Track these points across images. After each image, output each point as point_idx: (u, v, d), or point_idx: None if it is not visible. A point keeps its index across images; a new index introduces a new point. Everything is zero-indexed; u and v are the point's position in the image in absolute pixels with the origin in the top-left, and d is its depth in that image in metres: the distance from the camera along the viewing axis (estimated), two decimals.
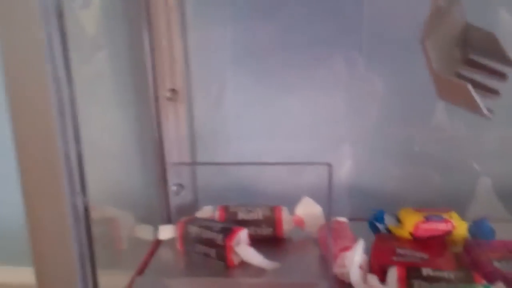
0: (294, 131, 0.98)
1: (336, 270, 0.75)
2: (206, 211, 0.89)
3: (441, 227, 0.81)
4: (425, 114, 0.96)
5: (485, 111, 0.61)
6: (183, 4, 0.90)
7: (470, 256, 0.76)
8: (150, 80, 0.88)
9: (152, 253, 0.84)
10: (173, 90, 0.89)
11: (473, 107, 0.59)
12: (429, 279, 0.68)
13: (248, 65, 0.95)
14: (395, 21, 0.91)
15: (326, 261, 0.80)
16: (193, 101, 0.94)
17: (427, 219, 0.82)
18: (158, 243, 0.87)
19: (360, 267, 0.73)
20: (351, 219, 0.87)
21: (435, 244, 0.80)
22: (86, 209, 0.49)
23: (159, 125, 0.89)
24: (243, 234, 0.80)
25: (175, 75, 0.89)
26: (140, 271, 0.80)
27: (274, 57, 0.94)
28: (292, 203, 0.89)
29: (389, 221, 0.85)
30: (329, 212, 0.68)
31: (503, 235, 0.82)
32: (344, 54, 0.94)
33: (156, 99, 0.88)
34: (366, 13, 0.92)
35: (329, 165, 0.75)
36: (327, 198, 0.68)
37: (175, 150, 0.91)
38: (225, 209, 0.88)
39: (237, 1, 0.92)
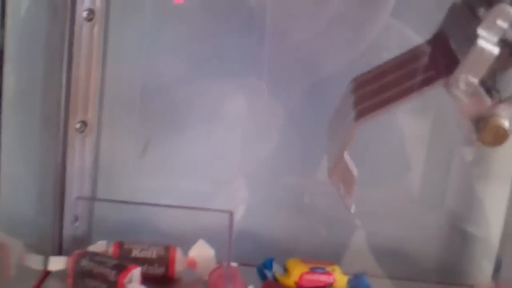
0: (192, 171, 1.00)
1: None
2: (99, 246, 0.89)
3: (323, 279, 0.87)
4: (316, 166, 1.01)
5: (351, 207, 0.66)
6: (107, 35, 0.91)
7: None
8: (62, 110, 0.88)
9: (39, 285, 0.83)
10: (83, 122, 0.90)
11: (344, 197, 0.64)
12: None
13: (153, 100, 0.97)
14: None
15: None
16: (101, 135, 0.95)
17: (312, 270, 0.87)
18: (47, 274, 0.86)
19: None
20: (241, 264, 0.91)
21: None
22: None
23: (64, 155, 0.89)
24: (136, 272, 0.81)
25: (87, 107, 0.90)
26: None
27: (179, 91, 0.96)
28: (189, 244, 0.91)
29: (276, 269, 0.89)
30: (228, 259, 0.71)
31: None
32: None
33: (65, 129, 0.88)
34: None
35: (230, 213, 0.79)
36: (227, 245, 0.71)
37: (76, 182, 0.91)
38: (120, 245, 0.89)
39: (152, 36, 0.95)
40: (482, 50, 0.56)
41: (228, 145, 1.00)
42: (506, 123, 0.58)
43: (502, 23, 0.56)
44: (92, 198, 0.92)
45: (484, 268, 1.05)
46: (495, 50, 0.56)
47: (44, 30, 0.92)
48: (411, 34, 0.92)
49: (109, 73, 0.93)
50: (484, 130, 0.58)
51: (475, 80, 0.57)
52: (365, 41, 0.95)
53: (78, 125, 0.89)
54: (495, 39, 0.57)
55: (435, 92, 0.59)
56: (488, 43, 0.56)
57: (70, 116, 0.88)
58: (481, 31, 0.56)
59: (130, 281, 0.80)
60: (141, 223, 1.00)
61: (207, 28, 0.96)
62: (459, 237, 1.05)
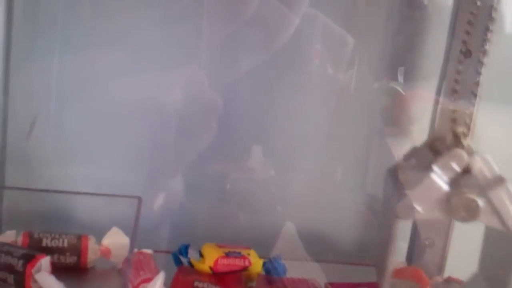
0: (111, 160, 0.99)
1: None
2: (8, 236, 0.86)
3: (238, 262, 0.87)
4: (239, 153, 1.02)
5: None
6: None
7: None
8: None
9: None
10: None
11: None
12: None
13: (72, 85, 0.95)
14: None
15: None
16: (8, 120, 0.92)
17: (227, 255, 0.87)
18: None
19: None
20: (158, 252, 0.90)
21: (232, 279, 0.85)
22: None
23: None
24: (45, 262, 0.79)
25: None
26: None
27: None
28: (102, 232, 0.89)
29: (192, 255, 0.89)
30: (132, 244, 0.70)
31: (296, 273, 0.89)
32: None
33: None
34: None
35: (139, 199, 0.78)
36: (133, 230, 0.70)
37: None
38: (29, 235, 0.86)
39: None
40: (432, 183, 0.60)
41: (149, 133, 0.99)
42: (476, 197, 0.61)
43: (455, 166, 0.61)
44: None
45: (399, 249, 1.07)
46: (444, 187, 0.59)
47: None
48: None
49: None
50: (457, 207, 0.62)
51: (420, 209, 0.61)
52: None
53: None
54: (446, 178, 0.61)
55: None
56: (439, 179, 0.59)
57: None
58: (435, 167, 0.60)
59: (39, 270, 0.78)
60: (54, 213, 0.98)
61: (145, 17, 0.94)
62: (375, 219, 1.06)
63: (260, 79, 0.99)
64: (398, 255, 1.06)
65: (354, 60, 1.01)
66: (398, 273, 0.90)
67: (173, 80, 0.97)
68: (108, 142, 0.99)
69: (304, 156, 1.05)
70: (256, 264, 0.88)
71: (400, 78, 1.02)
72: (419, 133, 1.00)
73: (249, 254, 0.88)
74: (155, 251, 0.90)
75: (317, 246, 1.03)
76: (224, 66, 0.98)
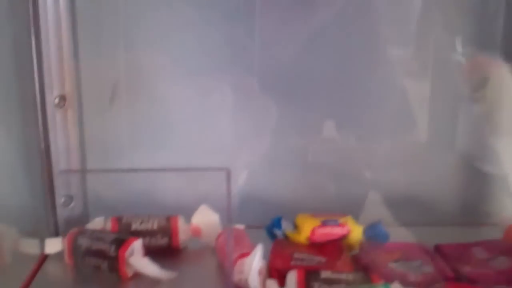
0: (188, 142, 0.95)
1: (235, 277, 0.72)
2: (97, 223, 0.84)
3: (337, 231, 0.82)
4: (317, 126, 0.98)
5: None
6: (74, 6, 0.85)
7: (367, 258, 0.76)
8: (36, 86, 0.82)
9: (37, 269, 0.78)
10: (62, 96, 0.84)
11: None
12: (327, 281, 0.68)
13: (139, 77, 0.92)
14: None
15: (224, 269, 0.77)
16: (84, 108, 0.89)
17: (324, 223, 0.82)
18: (44, 258, 0.81)
19: (259, 272, 0.71)
20: (248, 227, 0.86)
21: (332, 248, 0.80)
22: None
23: (46, 133, 0.83)
24: (137, 245, 0.76)
25: (64, 81, 0.84)
26: (25, 287, 0.74)
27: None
28: (189, 212, 0.86)
29: (286, 227, 0.84)
30: (228, 217, 0.66)
31: (394, 239, 0.83)
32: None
33: (43, 105, 0.82)
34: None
35: (227, 170, 0.73)
36: (226, 203, 0.65)
37: (63, 159, 0.86)
38: (118, 220, 0.83)
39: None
40: None
41: (225, 112, 0.96)
42: None
43: None
44: (76, 170, 0.86)
45: (506, 205, 1.00)
46: None
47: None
48: None
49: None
50: None
51: None
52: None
53: (56, 100, 0.84)
54: None
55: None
56: None
57: (46, 91, 0.82)
58: None
59: (132, 254, 0.75)
60: (138, 197, 0.95)
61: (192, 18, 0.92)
62: (475, 177, 1.00)
63: (336, 51, 0.95)
64: (506, 211, 0.99)
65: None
66: None
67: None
68: (176, 127, 0.95)
69: (392, 121, 0.99)
70: (356, 232, 0.83)
71: (459, 47, 0.96)
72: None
73: (347, 221, 0.83)
74: (248, 227, 0.86)
75: (413, 210, 0.97)
76: (292, 39, 0.94)
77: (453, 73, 0.97)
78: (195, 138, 0.96)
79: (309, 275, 0.68)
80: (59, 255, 0.80)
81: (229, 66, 0.93)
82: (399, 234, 0.86)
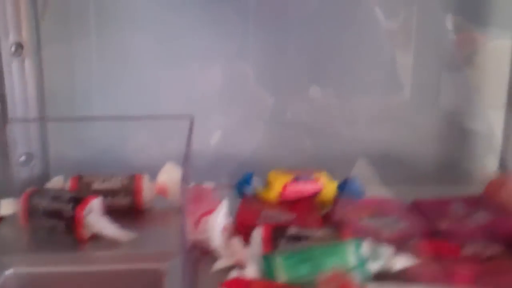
0: (160, 98, 0.91)
1: (198, 236, 0.68)
2: (56, 182, 0.79)
3: (309, 187, 0.77)
4: (298, 85, 0.94)
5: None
6: None
7: (338, 215, 0.72)
8: None
9: None
10: (19, 44, 0.78)
11: None
12: (295, 237, 0.64)
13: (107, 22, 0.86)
14: None
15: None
16: (43, 58, 0.84)
17: (296, 179, 0.77)
18: None
19: (223, 230, 0.67)
20: (223, 186, 0.82)
21: (303, 205, 0.76)
22: None
23: (1, 83, 0.78)
24: (96, 203, 0.72)
25: (20, 28, 0.78)
26: None
27: None
28: (156, 171, 0.81)
29: (257, 184, 0.80)
30: (185, 168, 0.60)
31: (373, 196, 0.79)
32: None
33: None
34: None
35: (190, 117, 0.69)
36: (185, 152, 0.60)
37: (20, 111, 0.80)
38: (78, 179, 0.79)
39: None
40: None
41: (203, 69, 0.92)
42: None
43: None
44: (35, 119, 0.81)
45: (488, 162, 0.97)
46: None
47: None
48: None
49: None
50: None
51: None
52: None
53: (13, 48, 0.78)
54: None
55: None
56: None
57: (2, 38, 0.77)
58: None
59: (90, 213, 0.70)
60: (103, 156, 0.90)
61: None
62: (457, 135, 0.97)
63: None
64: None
65: None
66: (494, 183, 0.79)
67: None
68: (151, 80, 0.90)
69: (373, 77, 0.95)
70: (329, 188, 0.79)
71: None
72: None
73: (320, 177, 0.78)
74: (220, 185, 0.82)
75: (393, 168, 0.93)
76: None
77: (439, 36, 0.94)
78: (165, 91, 0.91)
79: (276, 231, 0.64)
80: (14, 217, 0.75)
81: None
82: (377, 192, 0.82)
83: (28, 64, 0.80)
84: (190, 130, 0.64)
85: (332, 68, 0.94)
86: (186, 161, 0.57)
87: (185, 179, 0.53)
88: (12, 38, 0.78)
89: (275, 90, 0.94)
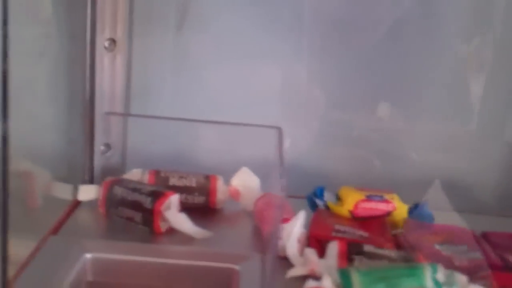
0: (234, 107, 0.92)
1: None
2: (134, 174, 0.81)
3: (381, 207, 0.78)
4: (366, 103, 0.95)
5: None
6: None
7: (411, 237, 0.72)
8: (88, 27, 0.80)
9: (69, 214, 0.76)
10: (112, 40, 0.81)
11: None
12: (370, 255, 0.64)
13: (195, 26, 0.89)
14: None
15: (261, 233, 0.74)
16: (133, 54, 0.87)
17: (368, 198, 0.78)
18: (77, 204, 0.79)
19: (298, 240, 0.68)
20: (289, 197, 0.82)
21: (375, 223, 0.76)
22: (5, 139, 0.40)
23: (92, 76, 0.81)
24: (174, 199, 0.74)
25: (115, 24, 0.81)
26: (54, 231, 0.72)
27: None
28: (230, 175, 0.83)
29: (328, 198, 0.81)
30: (282, 174, 0.62)
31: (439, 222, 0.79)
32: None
33: (93, 47, 0.80)
34: None
35: (279, 129, 0.70)
36: (278, 162, 0.62)
37: (107, 104, 0.83)
38: (156, 173, 0.81)
39: None
40: None
41: (275, 81, 0.93)
42: None
43: None
44: (120, 113, 0.83)
45: None
46: None
47: None
48: None
49: None
50: None
51: None
52: None
53: (106, 43, 0.81)
54: None
55: None
56: None
57: (98, 34, 0.80)
58: None
59: (168, 208, 0.72)
60: (179, 154, 0.92)
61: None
62: None
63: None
64: None
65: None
66: None
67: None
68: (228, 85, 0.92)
69: (441, 103, 0.95)
70: (401, 210, 0.79)
71: None
72: None
73: (392, 199, 0.79)
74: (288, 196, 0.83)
75: (457, 195, 0.92)
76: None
77: (510, 66, 0.93)
78: (243, 101, 0.93)
79: (351, 247, 0.65)
80: (93, 204, 0.78)
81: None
82: (442, 218, 0.82)
83: (119, 59, 0.83)
84: (280, 141, 0.65)
85: (400, 88, 0.94)
86: (281, 167, 0.58)
87: (282, 188, 0.55)
88: (107, 33, 0.81)
89: (342, 105, 0.95)
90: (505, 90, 0.95)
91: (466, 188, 0.97)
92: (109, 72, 0.82)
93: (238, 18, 0.89)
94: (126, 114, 0.85)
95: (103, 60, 0.81)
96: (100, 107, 0.82)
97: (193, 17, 0.88)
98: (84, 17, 0.79)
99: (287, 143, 0.97)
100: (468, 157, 0.97)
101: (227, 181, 0.82)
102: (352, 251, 0.65)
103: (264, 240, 0.72)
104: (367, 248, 0.65)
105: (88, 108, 0.81)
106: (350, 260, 0.64)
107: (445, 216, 0.82)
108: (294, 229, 0.67)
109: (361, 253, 0.64)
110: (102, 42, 0.81)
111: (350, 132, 0.97)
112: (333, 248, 0.65)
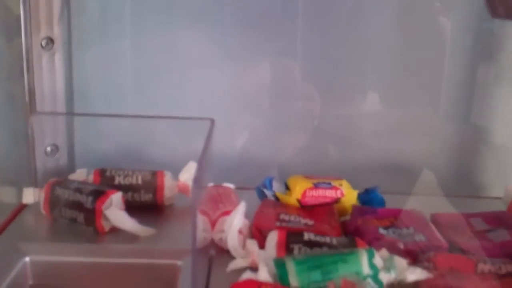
0: (189, 101, 0.91)
1: (215, 235, 0.69)
2: (79, 174, 0.80)
3: (329, 194, 0.77)
4: (328, 90, 0.94)
5: None
6: None
7: (356, 223, 0.72)
8: (22, 27, 0.78)
9: (13, 217, 0.75)
10: (49, 38, 0.80)
11: None
12: (310, 243, 0.63)
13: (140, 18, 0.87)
14: None
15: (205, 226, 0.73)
16: (73, 52, 0.85)
17: (316, 186, 0.77)
18: (22, 207, 0.78)
19: (240, 232, 0.67)
20: (243, 188, 0.82)
21: (322, 211, 0.75)
22: None
23: (31, 76, 0.79)
24: (116, 198, 0.73)
25: (51, 22, 0.80)
26: None
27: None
28: (179, 170, 0.82)
29: (277, 188, 0.80)
30: (200, 165, 0.60)
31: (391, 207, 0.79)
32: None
33: (29, 47, 0.78)
34: None
35: (211, 120, 0.69)
36: (203, 152, 0.61)
37: (48, 105, 0.82)
38: (101, 172, 0.80)
39: None
40: None
41: (229, 71, 0.92)
42: None
43: None
44: (60, 113, 0.82)
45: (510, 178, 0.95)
46: None
47: None
48: None
49: None
50: None
51: None
52: None
53: (43, 42, 0.80)
54: None
55: None
56: None
57: (33, 33, 0.78)
58: None
59: (110, 206, 0.71)
60: (128, 151, 0.91)
61: None
62: (486, 150, 0.96)
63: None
64: None
65: None
66: None
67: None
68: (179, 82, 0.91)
69: (403, 89, 0.94)
70: (350, 196, 0.78)
71: None
72: None
73: (341, 185, 0.78)
74: (240, 188, 0.82)
75: (412, 179, 0.92)
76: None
77: (470, 54, 0.93)
78: (199, 94, 0.92)
79: (291, 236, 0.64)
80: (37, 206, 0.76)
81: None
82: (397, 202, 0.81)
83: (58, 58, 0.81)
84: (210, 132, 0.64)
85: (370, 77, 0.94)
86: (201, 161, 0.57)
87: (198, 179, 0.53)
88: (43, 32, 0.79)
89: (300, 94, 0.94)
90: (462, 72, 0.94)
91: (422, 171, 0.96)
92: (48, 71, 0.81)
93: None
94: (59, 113, 0.83)
95: (41, 60, 0.80)
96: (41, 108, 0.81)
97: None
98: (18, 17, 0.78)
99: (244, 136, 0.97)
100: (427, 141, 0.96)
101: (175, 177, 0.81)
102: (291, 240, 0.64)
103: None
104: (307, 236, 0.64)
105: (29, 109, 0.80)
106: (289, 249, 0.63)
107: (401, 199, 0.82)
108: (234, 221, 0.66)
109: (300, 241, 0.63)
110: (38, 41, 0.79)
111: (307, 121, 0.96)
112: (273, 238, 0.64)
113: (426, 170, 0.94)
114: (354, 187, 0.81)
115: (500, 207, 0.82)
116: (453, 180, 0.96)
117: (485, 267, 0.61)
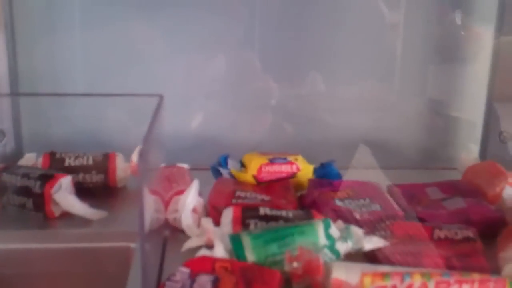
0: (141, 85, 0.89)
1: (169, 216, 0.67)
2: (28, 159, 0.78)
3: (285, 169, 0.76)
4: (284, 70, 0.94)
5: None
6: None
7: (312, 196, 0.71)
8: None
9: None
10: None
11: None
12: (266, 218, 0.62)
13: None
14: None
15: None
16: (16, 32, 0.82)
17: (271, 161, 0.76)
18: None
19: (194, 210, 0.66)
20: (199, 169, 0.80)
21: (278, 186, 0.74)
22: None
23: None
24: (65, 181, 0.70)
25: None
26: None
27: None
28: (132, 152, 0.80)
29: (232, 165, 0.79)
30: (146, 140, 0.58)
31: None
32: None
33: None
34: None
35: (160, 96, 0.67)
36: (149, 127, 0.58)
37: None
38: (51, 156, 0.77)
39: None
40: None
41: (184, 52, 0.90)
42: None
43: None
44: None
45: (468, 150, 0.96)
46: None
47: None
48: None
49: None
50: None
51: None
52: None
53: None
54: None
55: None
56: None
57: None
58: None
59: (59, 190, 0.69)
60: (78, 135, 0.88)
61: None
62: (442, 122, 0.98)
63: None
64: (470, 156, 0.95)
65: None
66: (473, 170, 0.78)
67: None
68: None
69: (360, 63, 0.94)
70: (306, 170, 0.77)
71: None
72: None
73: (296, 160, 0.77)
74: (197, 168, 0.80)
75: (375, 153, 0.92)
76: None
77: (427, 27, 0.94)
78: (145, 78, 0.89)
79: (246, 211, 0.63)
80: None
81: None
82: (357, 176, 0.80)
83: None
84: (158, 108, 0.62)
85: (326, 56, 0.94)
86: (148, 136, 0.55)
87: (144, 153, 0.52)
88: None
89: (265, 77, 0.94)
90: (422, 47, 0.95)
91: (387, 146, 0.97)
92: None
93: None
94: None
95: None
96: None
97: None
98: None
99: (199, 117, 0.95)
100: (389, 116, 0.97)
101: (129, 159, 0.79)
102: (247, 216, 0.62)
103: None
104: (263, 211, 0.63)
105: None
106: (245, 225, 0.62)
107: (360, 173, 0.81)
108: (188, 200, 0.65)
109: (256, 216, 0.62)
110: None
111: (264, 101, 0.95)
112: (228, 214, 0.63)
113: (393, 145, 0.94)
114: (311, 163, 0.80)
115: (456, 176, 0.83)
116: (412, 153, 0.96)
117: (441, 233, 0.61)
